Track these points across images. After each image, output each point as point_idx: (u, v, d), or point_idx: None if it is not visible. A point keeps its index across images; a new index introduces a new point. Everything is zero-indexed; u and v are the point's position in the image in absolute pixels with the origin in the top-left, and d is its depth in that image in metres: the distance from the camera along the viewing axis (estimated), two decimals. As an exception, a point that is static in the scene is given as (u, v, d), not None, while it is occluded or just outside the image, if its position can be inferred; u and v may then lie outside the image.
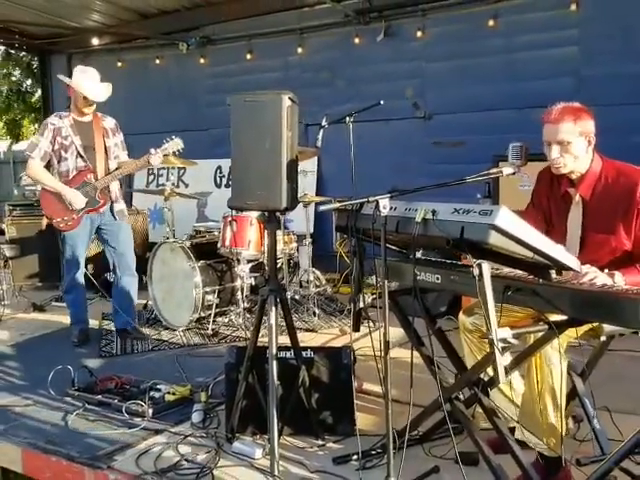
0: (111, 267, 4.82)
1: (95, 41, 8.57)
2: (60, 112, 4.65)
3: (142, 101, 8.36)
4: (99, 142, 4.56)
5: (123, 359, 4.40)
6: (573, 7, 5.75)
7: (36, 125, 15.51)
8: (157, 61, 8.34)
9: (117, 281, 4.82)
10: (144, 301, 5.58)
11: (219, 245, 5.09)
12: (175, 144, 4.60)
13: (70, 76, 4.54)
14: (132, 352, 4.62)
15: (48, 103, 9.79)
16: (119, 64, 8.46)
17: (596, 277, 2.36)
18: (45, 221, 4.97)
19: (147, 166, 4.69)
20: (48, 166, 4.56)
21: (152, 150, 4.52)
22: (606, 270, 2.43)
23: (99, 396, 3.54)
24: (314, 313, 5.30)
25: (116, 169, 4.62)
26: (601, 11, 5.68)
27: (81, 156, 4.51)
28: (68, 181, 4.49)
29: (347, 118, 4.65)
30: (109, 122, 4.72)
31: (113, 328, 5.01)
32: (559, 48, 5.89)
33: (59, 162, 4.50)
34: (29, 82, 14.75)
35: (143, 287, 5.38)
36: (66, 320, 5.08)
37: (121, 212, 4.73)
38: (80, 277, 4.75)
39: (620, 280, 2.41)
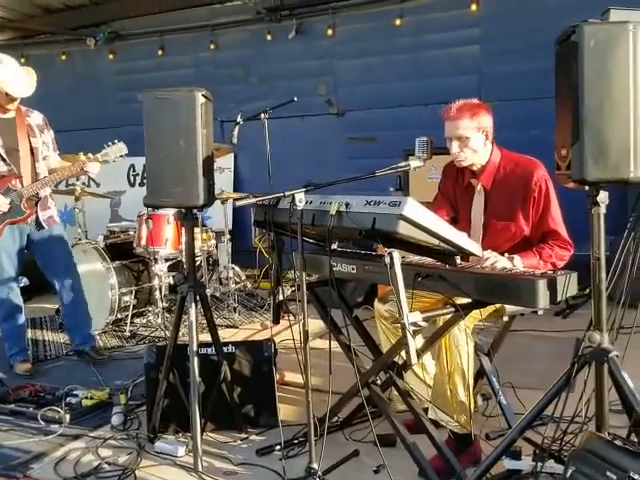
0: (50, 282, 4.22)
1: (-4, 36, 8.22)
2: None
3: (48, 99, 8.01)
4: (23, 142, 3.90)
5: (36, 367, 4.21)
6: (473, 7, 6.02)
7: None
8: (63, 57, 8.09)
9: (61, 299, 4.23)
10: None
11: (135, 245, 5.02)
12: (118, 149, 3.98)
13: None
14: (45, 359, 4.46)
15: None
16: (22, 60, 8.10)
17: (497, 261, 2.53)
18: None
19: (82, 174, 4.03)
20: None
21: (90, 155, 3.93)
22: (506, 254, 2.60)
23: (12, 405, 3.42)
24: (235, 309, 5.32)
25: (47, 175, 3.98)
26: (500, 11, 5.98)
27: (3, 159, 3.86)
28: None
29: (262, 115, 4.69)
30: (35, 118, 4.05)
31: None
32: (461, 47, 6.16)
33: None
34: None
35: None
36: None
37: (50, 219, 4.09)
38: (13, 298, 4.07)
39: (519, 263, 2.59)
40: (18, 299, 4.13)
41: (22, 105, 4.00)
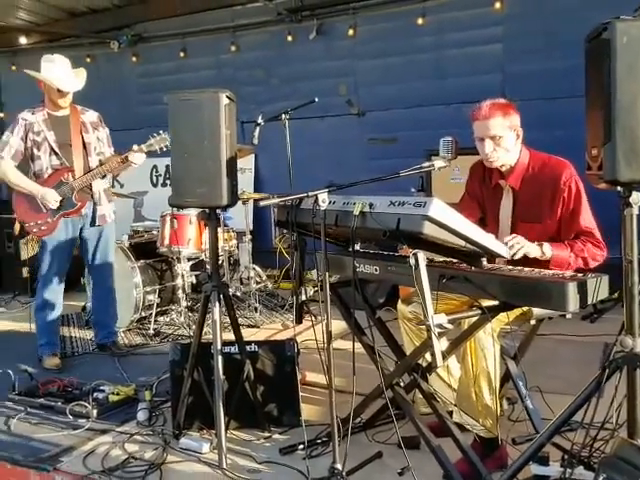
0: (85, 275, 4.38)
1: (23, 40, 8.33)
2: (33, 106, 4.14)
3: (73, 101, 8.15)
4: (76, 138, 4.11)
5: (64, 362, 4.29)
6: (497, 5, 5.97)
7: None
8: (88, 60, 8.15)
9: (92, 291, 4.48)
10: (82, 303, 5.48)
11: (158, 244, 5.05)
12: (162, 140, 4.06)
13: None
14: (73, 355, 4.54)
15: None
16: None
17: (522, 247, 2.50)
18: (18, 226, 4.32)
19: (128, 165, 4.13)
20: (27, 166, 4.13)
21: (135, 146, 4.07)
22: (536, 242, 2.58)
23: (41, 399, 3.49)
24: (256, 309, 5.33)
25: (97, 167, 4.17)
26: (524, 9, 5.92)
27: (55, 153, 4.07)
28: (43, 181, 4.07)
29: (283, 115, 4.71)
30: (90, 115, 4.27)
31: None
32: (484, 46, 6.10)
33: (33, 161, 4.08)
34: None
35: (82, 289, 5.29)
36: (0, 325, 4.91)
37: (102, 217, 4.26)
38: (57, 293, 4.24)
39: (548, 250, 2.57)
40: (59, 293, 4.26)
41: (78, 104, 4.25)
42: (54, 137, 4.08)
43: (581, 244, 2.64)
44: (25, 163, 4.13)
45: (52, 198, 4.02)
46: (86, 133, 4.19)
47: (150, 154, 4.18)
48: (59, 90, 4.02)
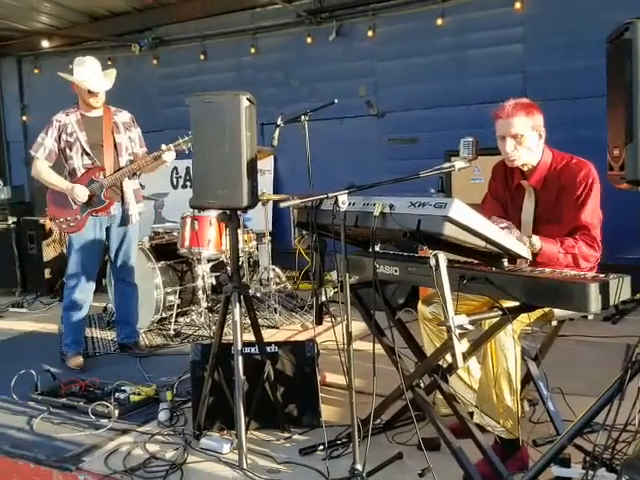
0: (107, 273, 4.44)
1: (45, 43, 8.41)
2: (68, 108, 4.27)
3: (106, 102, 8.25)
4: (108, 138, 4.23)
5: (86, 362, 4.32)
6: (517, 5, 5.92)
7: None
8: (109, 62, 8.22)
9: (116, 289, 4.55)
10: (104, 304, 5.54)
11: (179, 245, 5.10)
12: (190, 140, 4.00)
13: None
14: (94, 355, 4.59)
15: (-3, 107, 9.60)
16: (70, 66, 8.29)
17: (512, 230, 2.55)
18: (48, 222, 4.49)
19: (160, 163, 4.23)
20: (61, 166, 4.24)
21: (163, 146, 4.14)
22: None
23: (63, 399, 3.53)
24: (275, 310, 5.35)
25: (125, 166, 4.26)
26: (544, 9, 5.87)
27: (87, 153, 4.19)
28: (76, 180, 4.17)
29: (302, 117, 4.71)
30: (122, 116, 4.38)
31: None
32: (505, 46, 6.06)
33: (67, 161, 4.21)
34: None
35: (103, 289, 5.35)
36: (23, 326, 4.98)
37: (129, 217, 4.34)
38: (86, 292, 4.29)
39: (537, 242, 2.55)
40: (87, 293, 4.31)
41: (110, 105, 4.37)
42: (86, 137, 4.19)
43: (572, 241, 2.61)
44: (60, 163, 4.24)
45: (80, 192, 4.10)
46: (118, 133, 4.29)
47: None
48: (89, 91, 4.14)
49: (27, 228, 6.73)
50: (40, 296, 6.55)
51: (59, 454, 2.98)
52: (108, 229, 4.33)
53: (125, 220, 4.34)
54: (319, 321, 2.97)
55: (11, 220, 6.74)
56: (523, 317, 2.43)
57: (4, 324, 5.64)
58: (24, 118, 9.20)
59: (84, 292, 4.29)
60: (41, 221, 6.49)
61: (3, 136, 9.66)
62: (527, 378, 2.86)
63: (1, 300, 6.34)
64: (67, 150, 4.19)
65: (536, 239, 2.55)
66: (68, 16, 8.03)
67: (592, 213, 2.67)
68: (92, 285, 4.33)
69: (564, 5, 5.77)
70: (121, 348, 4.58)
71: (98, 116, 4.25)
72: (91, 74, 4.15)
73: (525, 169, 2.82)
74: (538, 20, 5.90)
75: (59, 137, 4.18)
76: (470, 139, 2.60)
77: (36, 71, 8.89)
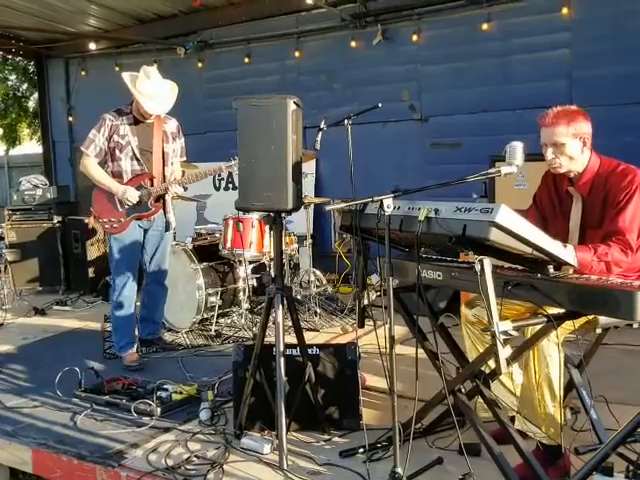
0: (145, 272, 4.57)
1: (92, 46, 8.63)
2: (121, 107, 4.28)
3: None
4: (158, 146, 4.27)
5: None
6: (564, 11, 5.85)
7: (30, 130, 15.57)
8: (154, 65, 8.39)
9: (147, 289, 4.63)
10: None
11: (220, 247, 5.15)
12: (229, 167, 4.33)
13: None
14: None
15: (45, 108, 9.85)
16: (116, 68, 8.51)
17: None
18: (92, 220, 4.57)
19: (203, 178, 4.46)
20: (104, 165, 4.30)
21: (222, 165, 4.30)
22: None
23: (106, 397, 3.60)
24: (316, 313, 5.38)
25: (175, 177, 4.35)
26: (591, 14, 5.79)
27: (137, 159, 4.23)
28: (124, 184, 4.21)
29: (345, 121, 4.72)
30: (171, 125, 4.40)
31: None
32: (551, 51, 5.99)
33: (112, 161, 4.23)
34: (24, 87, 14.79)
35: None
36: (67, 324, 5.06)
37: (169, 224, 4.48)
38: (132, 290, 4.38)
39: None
40: (133, 290, 4.39)
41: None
42: (137, 143, 4.21)
43: (606, 248, 2.54)
44: (103, 161, 4.29)
45: (132, 196, 4.17)
46: (166, 143, 4.34)
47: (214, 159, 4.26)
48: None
49: (72, 228, 6.89)
50: (83, 295, 6.69)
51: (102, 450, 3.04)
52: (145, 232, 4.41)
53: (166, 227, 4.46)
54: (361, 324, 2.97)
55: (56, 219, 6.91)
56: (567, 324, 2.40)
57: (48, 321, 5.78)
58: (70, 119, 9.45)
59: (131, 290, 4.36)
60: (85, 220, 6.60)
61: (50, 136, 9.93)
62: (570, 386, 2.81)
63: (45, 298, 6.49)
64: (116, 151, 4.20)
65: (570, 248, 2.52)
66: (115, 19, 8.23)
67: (631, 218, 2.61)
68: (136, 284, 4.42)
69: (612, 10, 5.68)
70: (144, 344, 4.64)
71: (150, 122, 4.26)
72: (152, 93, 4.12)
73: (571, 175, 2.80)
74: (586, 25, 5.83)
75: (110, 137, 4.18)
76: (516, 144, 2.57)
77: (83, 73, 9.13)
